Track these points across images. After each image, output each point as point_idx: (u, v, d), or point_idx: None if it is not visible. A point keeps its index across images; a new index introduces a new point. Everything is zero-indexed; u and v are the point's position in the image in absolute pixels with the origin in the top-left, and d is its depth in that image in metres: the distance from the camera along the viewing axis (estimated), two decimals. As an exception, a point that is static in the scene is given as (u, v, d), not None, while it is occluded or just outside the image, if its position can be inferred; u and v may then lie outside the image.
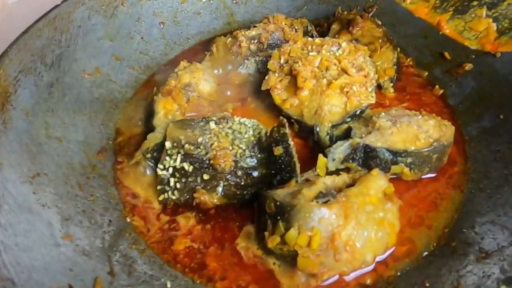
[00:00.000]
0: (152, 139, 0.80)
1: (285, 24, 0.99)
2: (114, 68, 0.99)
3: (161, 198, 0.76)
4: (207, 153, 0.74)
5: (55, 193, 0.73)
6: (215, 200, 0.75)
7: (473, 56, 0.97)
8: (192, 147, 0.75)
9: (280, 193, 0.70)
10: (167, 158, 0.74)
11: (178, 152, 0.75)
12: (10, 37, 0.84)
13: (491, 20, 0.83)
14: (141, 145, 0.82)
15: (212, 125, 0.78)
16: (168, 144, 0.75)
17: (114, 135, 0.90)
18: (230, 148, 0.75)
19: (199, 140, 0.76)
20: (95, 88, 0.93)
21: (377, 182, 0.72)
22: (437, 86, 0.98)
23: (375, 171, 0.73)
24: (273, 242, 0.67)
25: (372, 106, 0.91)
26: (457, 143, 0.88)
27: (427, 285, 0.67)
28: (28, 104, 0.78)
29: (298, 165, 0.75)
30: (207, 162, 0.74)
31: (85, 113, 0.89)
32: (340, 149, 0.76)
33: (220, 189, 0.74)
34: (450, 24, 0.85)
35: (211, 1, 1.13)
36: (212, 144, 0.75)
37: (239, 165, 0.75)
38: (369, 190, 0.70)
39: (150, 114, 0.87)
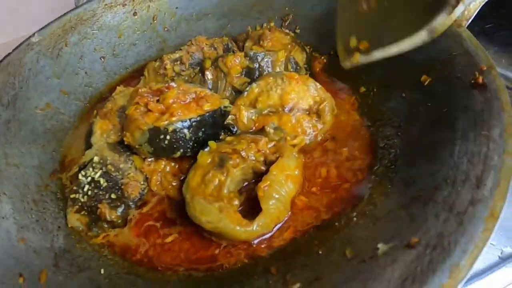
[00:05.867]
0: (89, 154, 1.02)
1: (206, 44, 1.23)
2: (63, 102, 1.24)
3: (72, 196, 0.98)
4: (122, 178, 0.97)
5: (13, 208, 0.97)
6: (113, 217, 0.96)
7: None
8: (113, 169, 0.98)
9: None
10: (91, 169, 0.97)
11: (101, 168, 0.98)
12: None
13: None
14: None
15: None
16: (96, 159, 0.99)
17: (64, 158, 1.14)
18: (142, 182, 0.99)
19: (121, 166, 0.99)
20: (47, 121, 1.18)
21: None
22: (348, 79, 1.18)
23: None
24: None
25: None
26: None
27: None
28: (-12, 140, 1.04)
29: None
30: (119, 185, 0.97)
31: (39, 142, 1.13)
32: None
33: (120, 209, 0.97)
34: None
35: (145, 32, 1.39)
36: (128, 174, 0.98)
37: (142, 197, 0.99)
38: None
39: (89, 133, 1.09)
